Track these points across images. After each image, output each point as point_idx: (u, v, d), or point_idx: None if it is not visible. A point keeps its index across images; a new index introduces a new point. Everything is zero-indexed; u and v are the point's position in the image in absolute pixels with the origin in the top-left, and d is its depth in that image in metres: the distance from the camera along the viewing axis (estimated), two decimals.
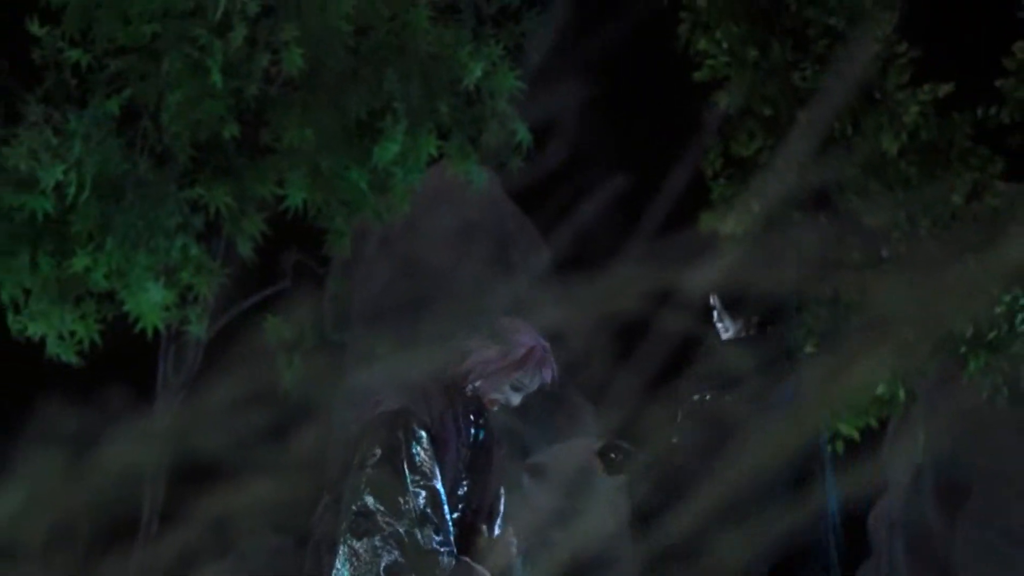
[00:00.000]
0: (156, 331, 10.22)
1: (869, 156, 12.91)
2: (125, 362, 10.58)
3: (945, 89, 13.21)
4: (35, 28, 10.07)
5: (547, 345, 6.63)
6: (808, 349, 12.99)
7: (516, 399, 6.61)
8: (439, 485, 6.27)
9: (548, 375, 6.62)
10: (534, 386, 6.61)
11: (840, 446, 13.04)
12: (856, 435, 13.21)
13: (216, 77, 9.84)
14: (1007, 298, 12.31)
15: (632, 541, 6.74)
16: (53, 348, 10.06)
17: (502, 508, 6.69)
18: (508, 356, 6.54)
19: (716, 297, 6.97)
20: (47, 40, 10.10)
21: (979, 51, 13.39)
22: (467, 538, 6.48)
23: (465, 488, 6.52)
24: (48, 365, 10.09)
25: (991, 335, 12.60)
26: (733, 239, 12.50)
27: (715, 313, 7.03)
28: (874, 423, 13.39)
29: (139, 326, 10.11)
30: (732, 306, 6.95)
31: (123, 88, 10.08)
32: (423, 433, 6.26)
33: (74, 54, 10.07)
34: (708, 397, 6.87)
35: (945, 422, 14.00)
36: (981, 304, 12.19)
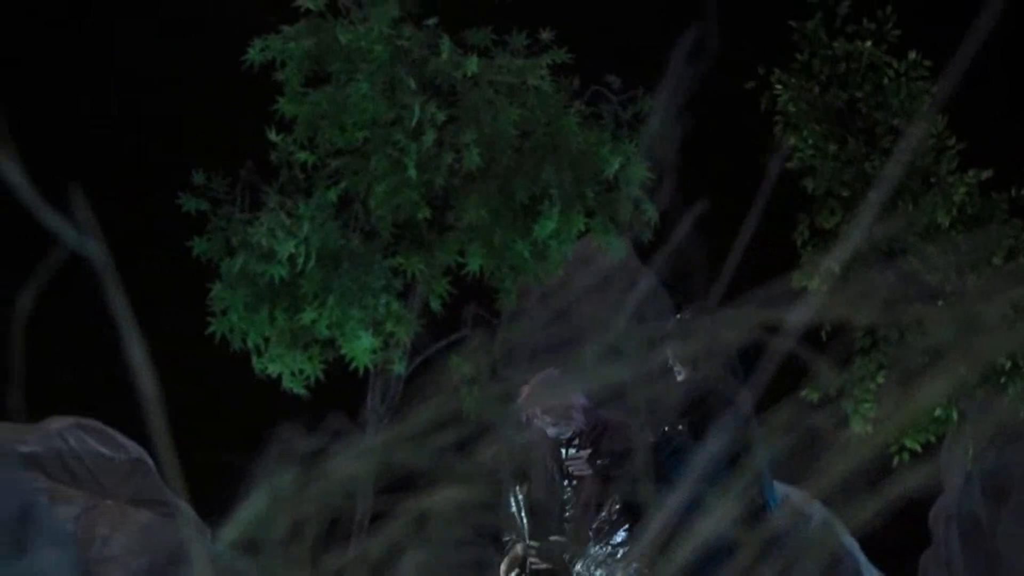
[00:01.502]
0: (366, 369, 10.27)
1: (926, 227, 12.97)
2: (342, 394, 10.61)
3: (986, 174, 13.23)
4: (272, 136, 10.22)
5: (571, 404, 6.95)
6: (879, 379, 12.90)
7: (555, 434, 6.99)
8: (518, 494, 6.90)
9: (567, 426, 6.96)
10: (560, 432, 6.97)
11: (906, 456, 12.87)
12: (918, 447, 13.04)
13: (412, 171, 9.89)
14: None
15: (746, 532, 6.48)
16: (287, 383, 10.12)
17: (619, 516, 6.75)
18: (536, 409, 6.95)
19: (669, 350, 6.93)
20: (282, 145, 10.23)
21: (1014, 143, 13.24)
22: (579, 528, 6.81)
23: (569, 492, 6.89)
24: (283, 397, 10.06)
25: None
26: (819, 293, 12.30)
27: (669, 361, 7.00)
28: (932, 438, 13.26)
29: (353, 365, 10.16)
30: (680, 358, 6.95)
31: (340, 181, 10.20)
32: (507, 457, 6.90)
33: (302, 155, 10.19)
34: (677, 428, 6.75)
35: (989, 436, 13.80)
36: (1017, 342, 11.85)
